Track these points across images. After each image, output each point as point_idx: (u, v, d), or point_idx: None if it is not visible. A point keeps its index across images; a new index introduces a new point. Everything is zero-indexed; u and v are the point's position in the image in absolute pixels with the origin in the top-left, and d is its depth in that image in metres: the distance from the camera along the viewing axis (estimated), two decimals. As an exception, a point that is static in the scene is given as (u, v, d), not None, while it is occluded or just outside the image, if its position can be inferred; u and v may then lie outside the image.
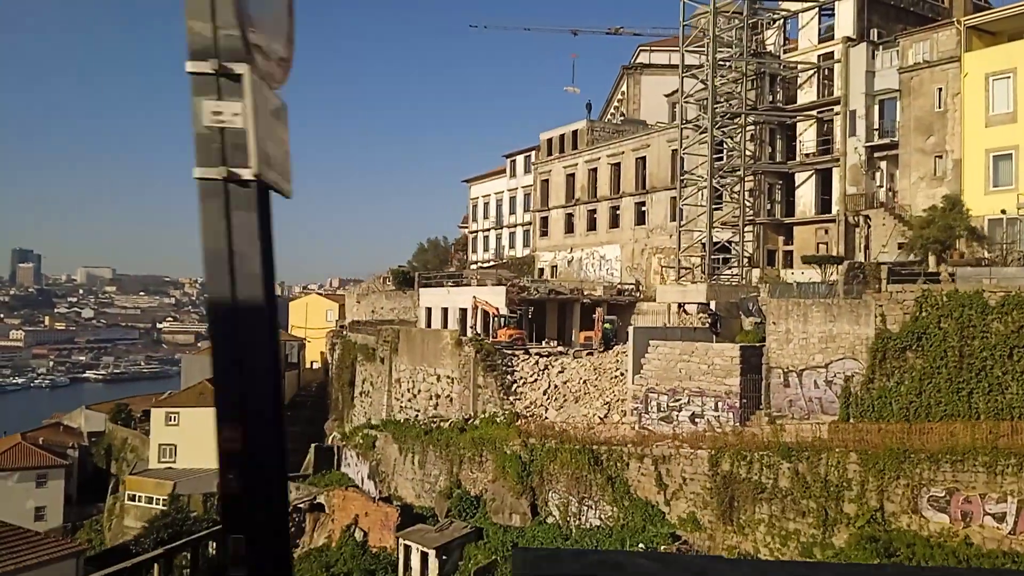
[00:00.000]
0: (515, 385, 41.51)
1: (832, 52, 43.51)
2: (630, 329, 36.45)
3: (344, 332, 62.36)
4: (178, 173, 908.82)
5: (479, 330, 47.69)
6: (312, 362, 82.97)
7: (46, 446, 74.40)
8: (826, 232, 43.30)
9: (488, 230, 74.76)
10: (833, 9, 44.11)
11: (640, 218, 55.52)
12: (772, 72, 45.93)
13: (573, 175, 62.56)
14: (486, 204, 75.49)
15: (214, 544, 43.11)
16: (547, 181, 65.49)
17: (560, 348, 46.34)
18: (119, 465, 73.56)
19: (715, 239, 45.07)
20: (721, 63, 45.47)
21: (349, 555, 39.32)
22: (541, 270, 65.25)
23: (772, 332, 31.66)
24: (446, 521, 37.02)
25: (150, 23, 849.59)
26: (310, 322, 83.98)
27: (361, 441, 45.38)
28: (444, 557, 34.85)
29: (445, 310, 56.09)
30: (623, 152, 57.28)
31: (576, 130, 63.31)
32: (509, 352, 43.00)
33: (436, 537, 35.66)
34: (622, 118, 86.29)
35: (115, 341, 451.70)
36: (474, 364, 42.36)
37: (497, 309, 47.54)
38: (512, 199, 71.42)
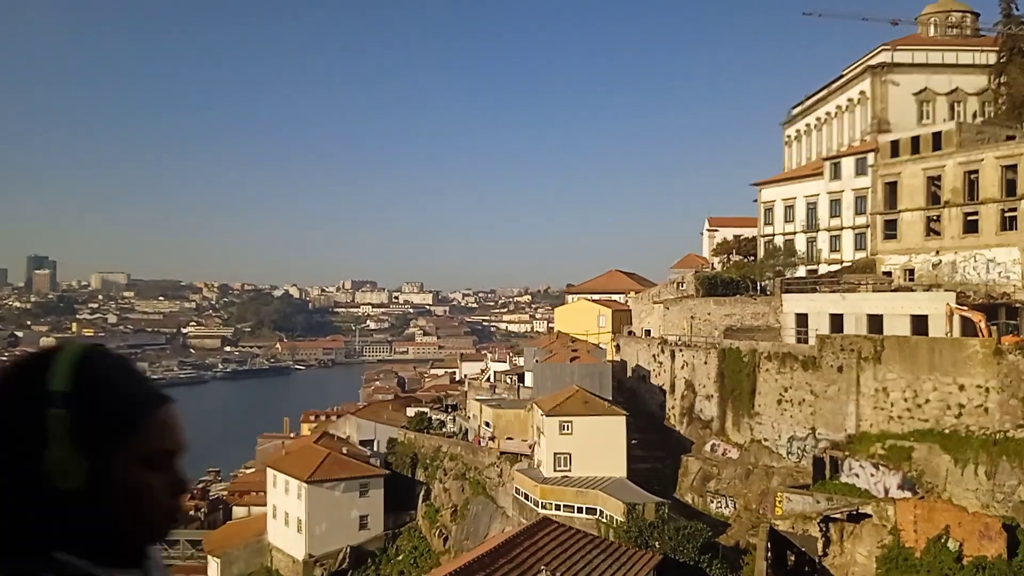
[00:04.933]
0: (1084, 392, 40.99)
1: None
2: None
3: (719, 340, 61.59)
4: (187, 176, 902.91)
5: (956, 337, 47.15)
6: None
7: (351, 454, 73.73)
8: None
9: (792, 233, 74.22)
10: None
11: (1052, 221, 55.19)
12: None
13: (937, 177, 62.14)
14: (788, 207, 74.96)
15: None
16: (894, 184, 65.05)
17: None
18: (430, 473, 72.78)
19: None
20: None
21: (950, 566, 38.70)
22: (887, 273, 64.82)
23: None
24: (1089, 532, 36.46)
25: (165, 28, 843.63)
26: (581, 327, 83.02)
27: (883, 452, 44.77)
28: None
29: (838, 317, 55.48)
30: (1022, 153, 56.87)
31: (939, 132, 62.94)
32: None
33: (1106, 548, 35.08)
34: (874, 120, 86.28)
35: (143, 347, 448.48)
36: (1030, 372, 41.84)
37: (983, 317, 47.03)
38: (834, 202, 70.92)
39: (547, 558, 34.37)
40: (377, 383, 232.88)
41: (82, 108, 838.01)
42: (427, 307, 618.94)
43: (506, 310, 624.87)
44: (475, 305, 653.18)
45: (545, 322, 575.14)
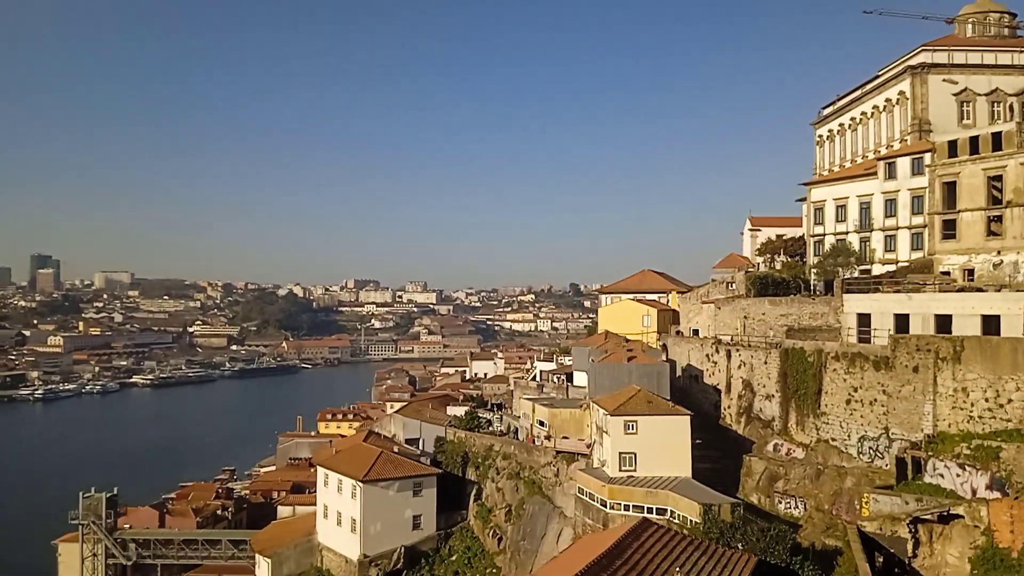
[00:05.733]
0: None
1: None
2: None
3: (778, 340, 61.30)
4: (192, 176, 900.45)
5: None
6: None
7: (402, 453, 73.43)
8: None
9: (844, 233, 73.94)
10: None
11: (1122, 221, 54.94)
12: None
13: (998, 176, 61.91)
14: (840, 207, 74.67)
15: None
16: (952, 183, 64.82)
17: None
18: (482, 472, 72.47)
19: None
20: None
21: (1051, 568, 38.42)
22: (946, 273, 64.57)
23: None
24: None
25: (169, 30, 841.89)
26: (627, 327, 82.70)
27: (969, 452, 44.47)
28: None
29: (903, 317, 55.06)
30: (1091, 154, 56.64)
31: (999, 132, 62.66)
32: None
33: None
34: (915, 120, 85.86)
35: (150, 345, 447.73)
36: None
37: (1066, 315, 46.72)
38: (889, 202, 70.68)
39: (656, 559, 34.04)
40: (389, 382, 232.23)
41: (86, 108, 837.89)
42: (431, 306, 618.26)
43: (509, 309, 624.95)
44: (479, 304, 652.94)
45: (549, 321, 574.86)
